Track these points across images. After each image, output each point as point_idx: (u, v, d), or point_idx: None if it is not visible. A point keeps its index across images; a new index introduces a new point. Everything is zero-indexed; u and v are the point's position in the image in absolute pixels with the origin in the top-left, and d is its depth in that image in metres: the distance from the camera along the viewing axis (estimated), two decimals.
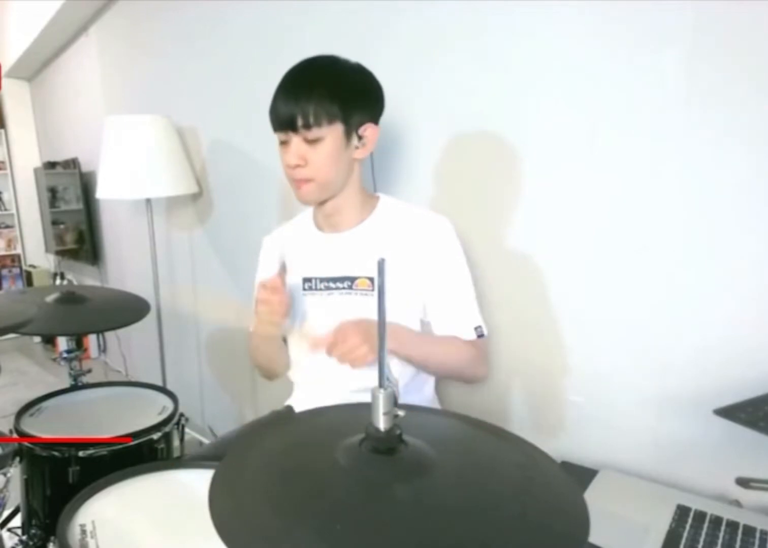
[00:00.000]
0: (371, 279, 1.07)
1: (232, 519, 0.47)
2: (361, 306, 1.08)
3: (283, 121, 1.00)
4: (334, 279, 1.11)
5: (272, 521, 0.48)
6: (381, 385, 0.54)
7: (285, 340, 1.23)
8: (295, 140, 1.01)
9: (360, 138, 1.03)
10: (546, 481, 0.55)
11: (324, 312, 1.11)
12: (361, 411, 0.56)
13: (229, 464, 0.57)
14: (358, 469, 0.53)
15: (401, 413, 0.55)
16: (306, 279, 1.14)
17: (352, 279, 1.09)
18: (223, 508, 0.49)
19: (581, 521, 0.47)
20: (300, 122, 0.98)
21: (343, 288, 1.10)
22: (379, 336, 0.55)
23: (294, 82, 1.02)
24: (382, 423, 0.54)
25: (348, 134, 1.01)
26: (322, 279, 1.12)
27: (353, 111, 1.00)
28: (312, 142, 1.00)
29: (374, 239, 1.10)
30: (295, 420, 0.68)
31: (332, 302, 1.11)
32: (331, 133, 0.99)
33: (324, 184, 1.04)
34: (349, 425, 0.58)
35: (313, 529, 0.46)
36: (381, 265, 0.54)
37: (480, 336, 1.09)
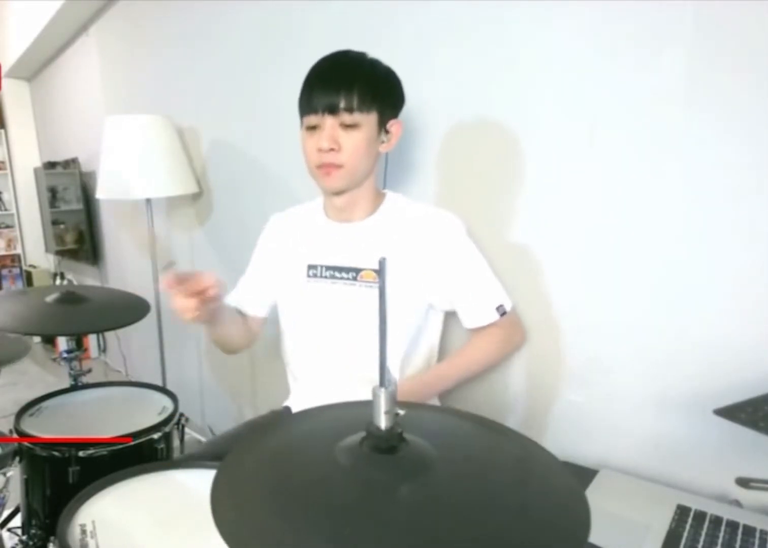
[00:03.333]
0: (376, 272, 1.08)
1: (234, 519, 0.47)
2: (364, 298, 1.08)
3: (324, 103, 0.99)
4: (339, 269, 1.11)
5: (274, 520, 0.47)
6: (382, 384, 0.54)
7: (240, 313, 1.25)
8: (330, 124, 1.00)
9: (387, 132, 1.06)
10: (546, 476, 0.55)
11: (327, 301, 1.13)
12: (362, 410, 0.56)
13: (230, 464, 0.57)
14: (359, 468, 0.53)
15: (402, 411, 0.55)
16: (311, 266, 1.15)
17: (357, 271, 1.10)
18: (225, 508, 0.49)
19: (582, 516, 0.47)
20: (343, 104, 0.98)
21: (348, 278, 1.11)
22: (380, 335, 0.55)
23: (335, 68, 1.02)
24: (383, 422, 0.54)
25: (380, 126, 1.04)
26: (327, 268, 1.13)
27: (386, 104, 1.04)
28: (349, 127, 1.00)
29: (382, 233, 1.11)
30: (295, 419, 0.68)
31: (336, 291, 1.12)
32: (368, 122, 1.01)
33: (353, 171, 1.04)
34: (349, 424, 0.58)
35: (316, 529, 0.46)
36: (382, 264, 0.54)
37: (503, 314, 1.10)
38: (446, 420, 0.68)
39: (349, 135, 1.00)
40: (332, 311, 1.11)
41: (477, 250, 1.12)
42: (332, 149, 1.00)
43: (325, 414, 0.70)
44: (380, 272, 0.54)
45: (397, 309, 1.08)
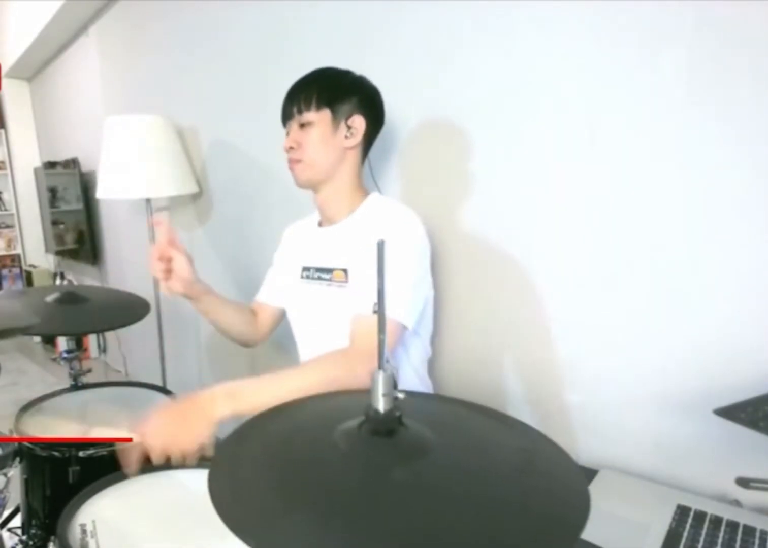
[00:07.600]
0: (345, 271, 1.12)
1: (232, 503, 0.47)
2: (335, 298, 1.12)
3: (286, 112, 1.16)
4: (322, 270, 1.18)
5: (273, 504, 0.47)
6: (380, 367, 0.54)
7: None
8: (293, 127, 1.14)
9: (349, 128, 1.12)
10: (546, 463, 0.55)
11: (310, 301, 1.19)
12: (360, 394, 0.56)
13: (228, 448, 0.57)
14: (357, 452, 0.53)
15: (401, 395, 0.55)
16: (305, 268, 1.22)
17: (330, 271, 1.15)
18: (223, 491, 0.49)
19: (581, 503, 0.47)
20: (294, 109, 1.13)
21: (326, 279, 1.16)
22: (379, 320, 0.55)
23: (294, 84, 1.16)
24: (381, 405, 0.54)
25: (335, 121, 1.11)
26: (316, 269, 1.20)
27: (340, 101, 1.11)
28: (304, 126, 1.12)
29: (351, 233, 1.14)
30: (296, 405, 0.67)
31: (317, 291, 1.17)
32: (320, 119, 1.11)
33: (311, 164, 1.13)
34: (348, 408, 0.58)
35: (314, 512, 0.46)
36: (381, 246, 0.54)
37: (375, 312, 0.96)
38: (446, 408, 0.68)
39: (306, 132, 1.12)
40: (314, 310, 1.18)
41: (409, 261, 1.05)
42: (292, 147, 1.14)
43: (324, 398, 0.70)
44: (378, 256, 0.54)
45: (358, 308, 1.05)
